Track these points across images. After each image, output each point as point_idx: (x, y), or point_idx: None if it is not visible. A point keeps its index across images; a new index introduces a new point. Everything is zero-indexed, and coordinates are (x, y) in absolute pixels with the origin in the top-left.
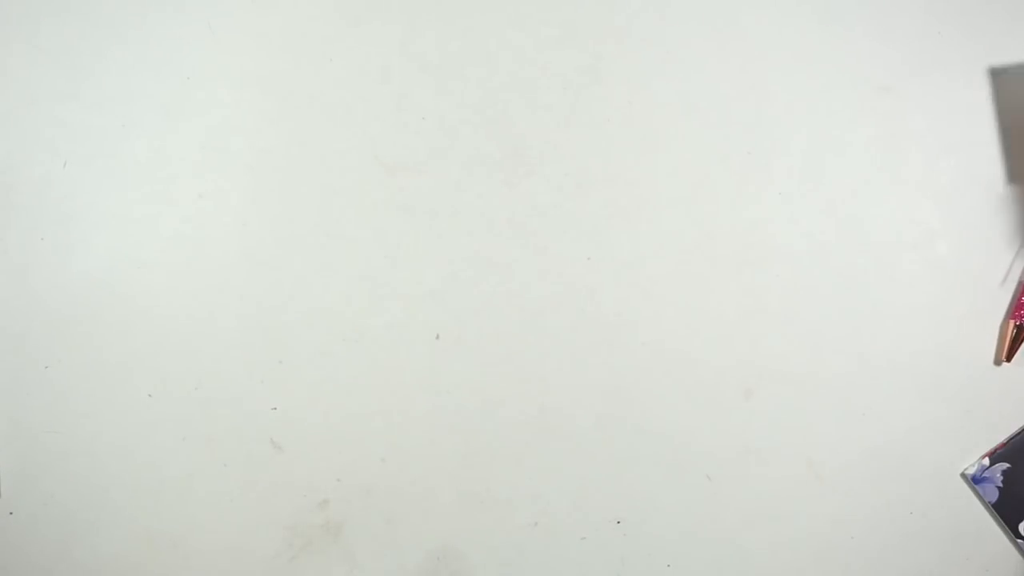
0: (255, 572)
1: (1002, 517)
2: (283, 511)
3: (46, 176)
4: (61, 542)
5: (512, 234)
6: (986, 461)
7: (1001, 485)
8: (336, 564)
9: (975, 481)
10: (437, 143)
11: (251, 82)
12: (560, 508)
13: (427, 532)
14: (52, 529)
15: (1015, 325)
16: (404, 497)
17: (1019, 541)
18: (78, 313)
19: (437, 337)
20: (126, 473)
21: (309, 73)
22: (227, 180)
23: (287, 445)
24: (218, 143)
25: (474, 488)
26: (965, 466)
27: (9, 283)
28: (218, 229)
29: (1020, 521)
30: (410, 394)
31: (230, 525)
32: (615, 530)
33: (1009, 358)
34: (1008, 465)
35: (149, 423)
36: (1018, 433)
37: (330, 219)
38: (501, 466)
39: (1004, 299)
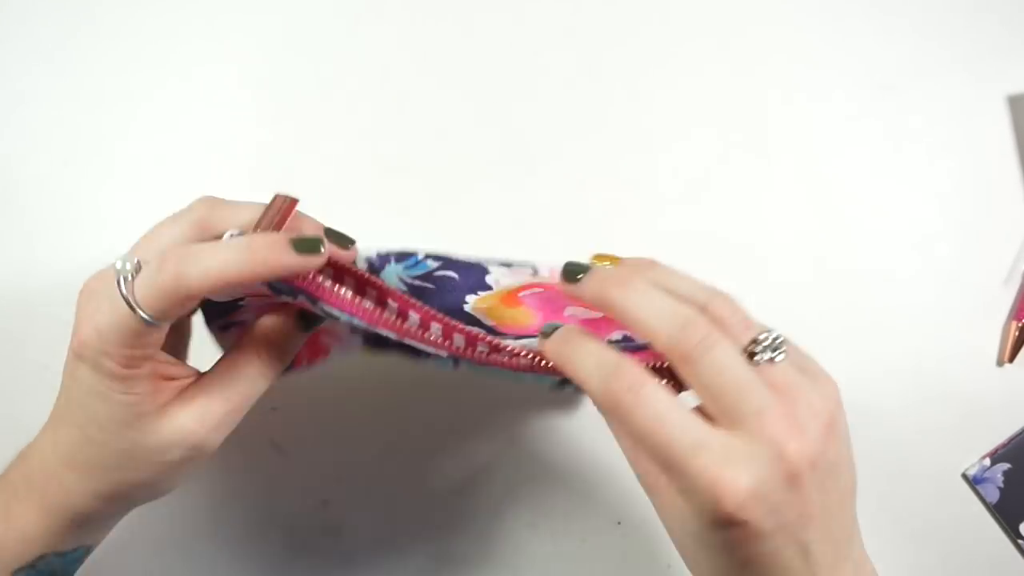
0: (255, 572)
1: (1003, 517)
2: (283, 511)
3: (46, 176)
4: None
5: (513, 234)
6: (987, 461)
7: (1002, 485)
8: (336, 564)
9: (976, 481)
10: (437, 143)
11: (251, 82)
12: (560, 508)
13: (427, 532)
14: None
15: (1018, 326)
16: (404, 497)
17: (1020, 541)
18: None
19: None
20: None
21: (309, 73)
22: (227, 180)
23: (287, 445)
24: (218, 143)
25: (474, 488)
26: (966, 466)
27: (9, 283)
28: None
29: (1021, 521)
30: (410, 394)
31: (230, 525)
32: (615, 530)
33: (1012, 359)
34: (1009, 465)
35: None
36: (1019, 433)
37: (330, 219)
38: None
39: (1007, 299)
